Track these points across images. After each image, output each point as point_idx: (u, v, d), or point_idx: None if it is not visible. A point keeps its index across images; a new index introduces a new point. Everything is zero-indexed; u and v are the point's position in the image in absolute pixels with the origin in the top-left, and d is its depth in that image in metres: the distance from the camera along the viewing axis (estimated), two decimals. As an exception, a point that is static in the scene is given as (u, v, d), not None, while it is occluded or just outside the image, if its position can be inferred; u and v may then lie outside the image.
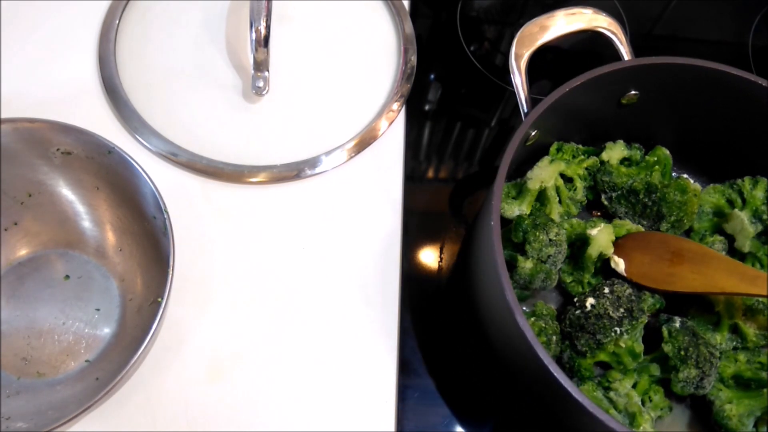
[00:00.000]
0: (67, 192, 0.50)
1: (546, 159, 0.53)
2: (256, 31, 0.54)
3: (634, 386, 0.47)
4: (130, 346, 0.45)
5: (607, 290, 0.48)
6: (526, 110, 0.49)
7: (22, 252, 0.50)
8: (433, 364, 0.51)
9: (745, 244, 0.52)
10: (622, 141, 0.55)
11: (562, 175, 0.54)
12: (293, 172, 0.56)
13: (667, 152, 0.54)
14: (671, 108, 0.53)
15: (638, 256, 0.50)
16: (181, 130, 0.57)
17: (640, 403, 0.46)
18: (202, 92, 0.60)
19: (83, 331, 0.48)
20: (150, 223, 0.47)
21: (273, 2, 0.56)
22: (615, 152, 0.54)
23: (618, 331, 0.46)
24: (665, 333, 0.47)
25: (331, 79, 0.62)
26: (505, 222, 0.51)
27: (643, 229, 0.52)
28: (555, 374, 0.37)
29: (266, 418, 0.47)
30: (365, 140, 0.58)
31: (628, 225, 0.52)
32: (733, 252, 0.53)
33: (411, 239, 0.56)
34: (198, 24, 0.63)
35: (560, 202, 0.53)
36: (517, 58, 0.50)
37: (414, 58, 0.63)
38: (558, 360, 0.49)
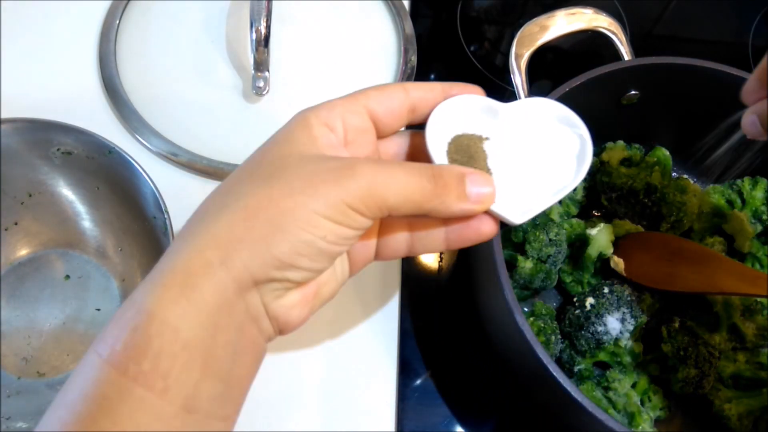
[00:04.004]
0: (67, 192, 0.50)
1: (546, 159, 0.53)
2: (256, 31, 0.55)
3: (633, 386, 0.47)
4: (130, 346, 0.46)
5: (606, 290, 0.48)
6: (525, 110, 0.49)
7: (22, 252, 0.50)
8: (433, 364, 0.51)
9: (745, 245, 0.52)
10: (621, 141, 0.55)
11: (562, 175, 0.54)
12: (293, 172, 0.56)
13: (667, 153, 0.54)
14: (671, 108, 0.53)
15: (638, 256, 0.50)
16: (181, 130, 0.57)
17: (639, 402, 0.46)
18: (202, 92, 0.60)
19: (84, 331, 0.48)
20: (150, 223, 0.47)
21: (273, 2, 0.56)
22: (615, 152, 0.54)
23: (618, 331, 0.47)
24: (664, 333, 0.47)
25: (331, 79, 0.62)
26: (505, 222, 0.51)
27: (642, 230, 0.52)
28: (554, 374, 0.37)
29: (266, 418, 0.47)
30: (365, 140, 0.58)
31: (628, 225, 0.52)
32: (733, 252, 0.53)
33: (411, 239, 0.56)
34: (198, 24, 0.63)
35: (560, 202, 0.53)
36: (517, 58, 0.50)
37: (414, 58, 0.63)
38: (557, 360, 0.49)
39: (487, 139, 0.33)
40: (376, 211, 0.28)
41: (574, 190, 0.33)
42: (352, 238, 0.28)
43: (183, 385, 0.25)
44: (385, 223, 0.33)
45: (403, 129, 0.34)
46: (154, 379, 0.25)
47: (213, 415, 0.27)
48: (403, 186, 0.28)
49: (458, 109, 0.32)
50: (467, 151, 0.32)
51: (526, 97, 0.49)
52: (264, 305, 0.28)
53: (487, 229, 0.31)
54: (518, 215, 0.32)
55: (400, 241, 0.33)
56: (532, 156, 0.33)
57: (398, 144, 0.34)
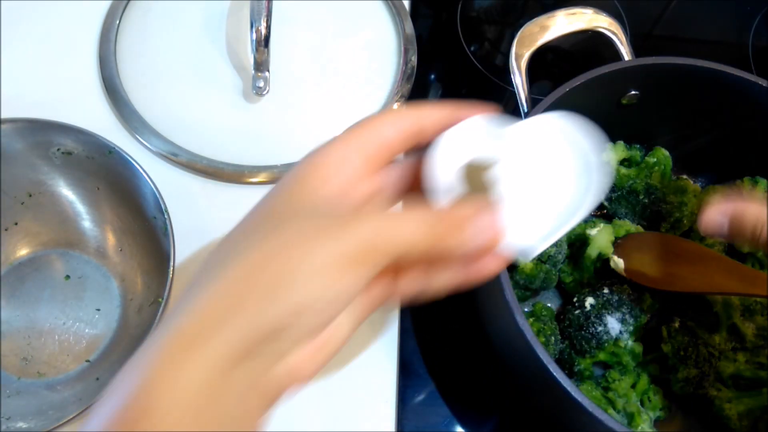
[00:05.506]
0: (67, 192, 0.50)
1: (546, 159, 0.53)
2: (256, 31, 0.55)
3: (633, 386, 0.47)
4: (130, 346, 0.46)
5: (606, 290, 0.48)
6: (526, 110, 0.49)
7: (23, 252, 0.50)
8: (433, 364, 0.51)
9: (744, 245, 0.52)
10: (622, 142, 0.55)
11: (562, 176, 0.54)
12: (293, 172, 0.56)
13: (667, 153, 0.54)
14: (671, 108, 0.53)
15: (638, 257, 0.50)
16: (181, 130, 0.57)
17: (638, 403, 0.46)
18: (202, 92, 0.60)
19: (83, 331, 0.48)
20: (150, 223, 0.47)
21: (273, 2, 0.56)
22: (615, 153, 0.54)
23: (617, 331, 0.47)
24: (664, 333, 0.47)
25: (331, 79, 0.62)
26: (505, 222, 0.51)
27: (642, 230, 0.52)
28: (554, 374, 0.37)
29: (265, 418, 0.47)
30: (365, 140, 0.58)
31: (628, 225, 0.52)
32: (733, 252, 0.53)
33: (411, 239, 0.56)
34: (198, 24, 0.63)
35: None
36: (518, 58, 0.50)
37: (414, 58, 0.63)
38: (558, 360, 0.49)
39: (496, 162, 0.31)
40: (380, 260, 0.26)
41: (591, 211, 0.32)
42: (359, 287, 0.26)
43: None
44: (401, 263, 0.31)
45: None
46: None
47: None
48: (407, 235, 0.27)
49: (462, 136, 0.31)
50: (474, 180, 0.31)
51: (526, 97, 0.49)
52: (266, 370, 0.26)
53: (492, 267, 0.30)
54: (531, 247, 0.30)
55: (415, 279, 0.31)
56: (543, 177, 0.32)
57: (399, 171, 0.33)
